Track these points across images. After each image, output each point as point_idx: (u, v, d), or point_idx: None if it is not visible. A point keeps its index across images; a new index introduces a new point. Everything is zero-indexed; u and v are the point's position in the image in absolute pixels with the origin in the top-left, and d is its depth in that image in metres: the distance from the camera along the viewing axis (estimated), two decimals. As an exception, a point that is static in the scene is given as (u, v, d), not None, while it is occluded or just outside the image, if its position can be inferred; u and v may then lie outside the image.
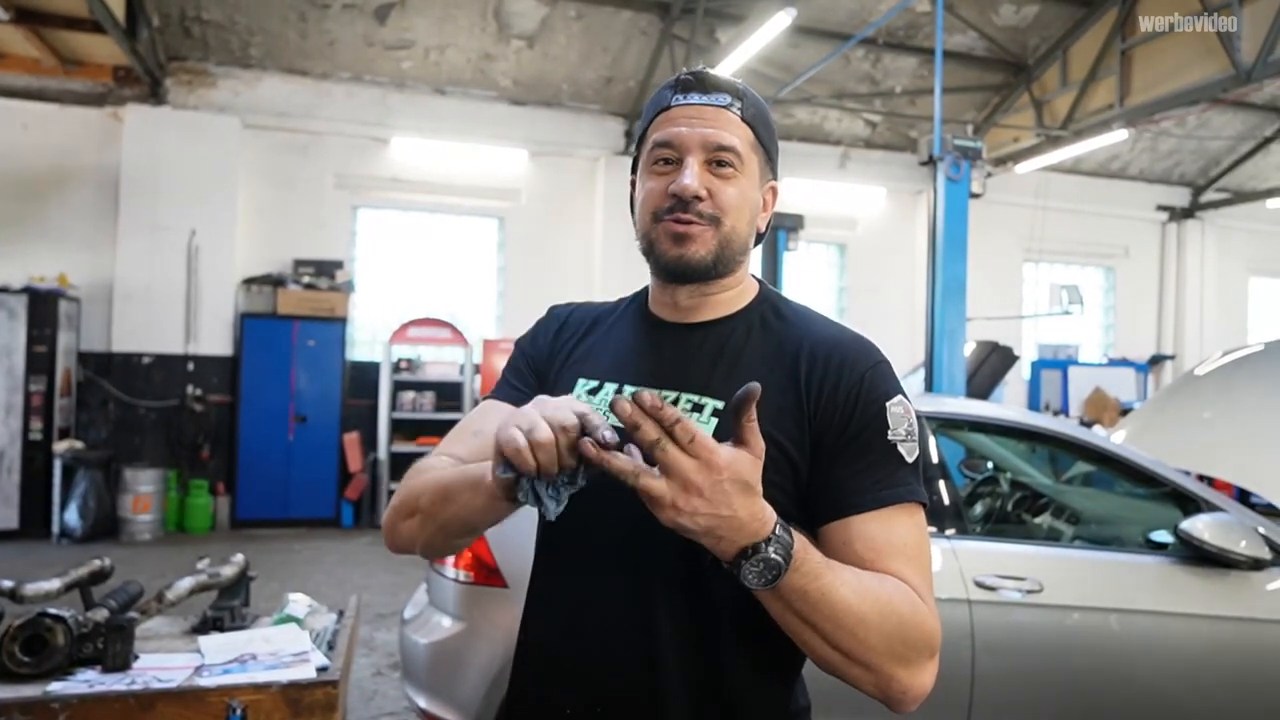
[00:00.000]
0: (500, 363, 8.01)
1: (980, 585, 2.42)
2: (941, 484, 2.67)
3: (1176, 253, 11.13)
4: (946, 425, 2.96)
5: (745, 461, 0.75)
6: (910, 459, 0.91)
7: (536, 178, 8.43)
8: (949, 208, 5.95)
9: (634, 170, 1.04)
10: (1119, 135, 8.64)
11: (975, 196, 6.19)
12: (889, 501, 0.89)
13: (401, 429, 7.67)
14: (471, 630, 2.47)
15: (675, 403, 0.94)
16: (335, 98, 7.76)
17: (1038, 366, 10.12)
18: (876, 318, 9.44)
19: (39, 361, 6.61)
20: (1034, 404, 9.67)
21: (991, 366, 7.97)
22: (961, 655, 2.38)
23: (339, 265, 7.67)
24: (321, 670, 1.62)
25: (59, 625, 1.55)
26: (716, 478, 0.73)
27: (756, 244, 1.02)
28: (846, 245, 9.68)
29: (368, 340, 8.05)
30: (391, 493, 7.45)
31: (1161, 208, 11.04)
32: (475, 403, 7.90)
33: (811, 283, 9.62)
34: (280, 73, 7.62)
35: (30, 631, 1.53)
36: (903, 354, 8.95)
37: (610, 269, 8.32)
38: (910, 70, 8.78)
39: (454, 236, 8.46)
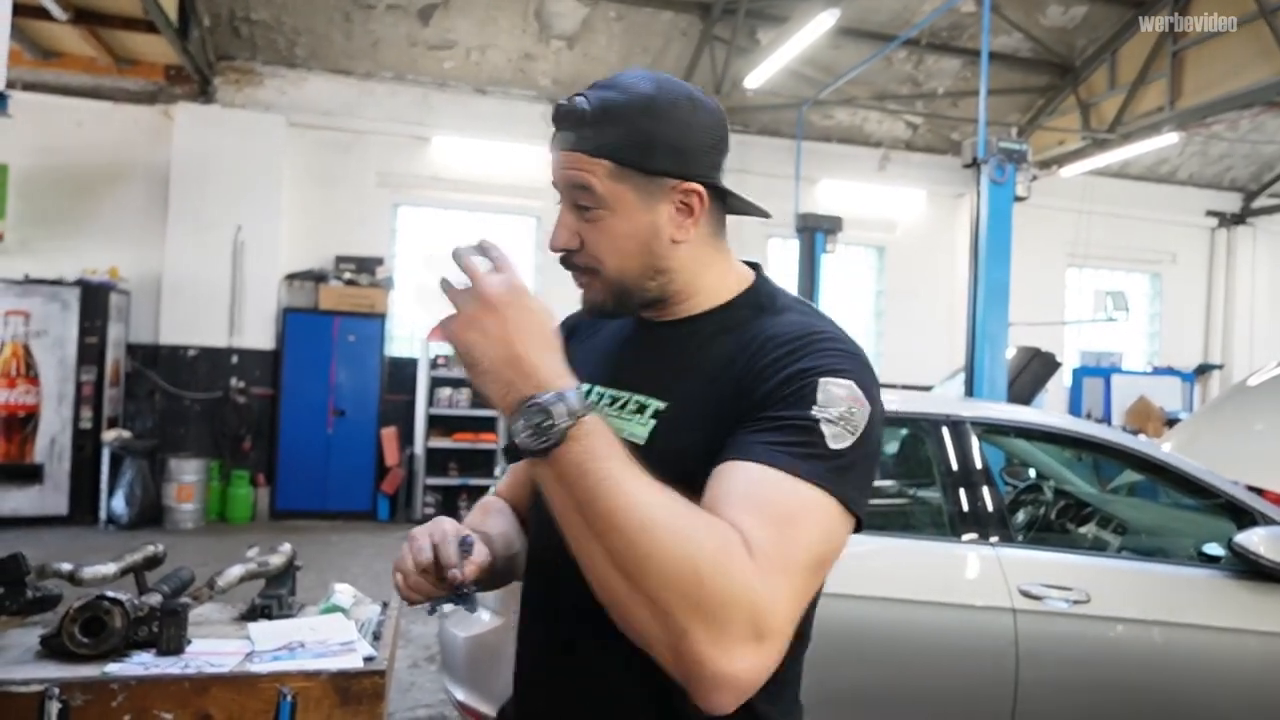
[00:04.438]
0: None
1: (1025, 594, 2.37)
2: (985, 490, 2.63)
3: (1226, 259, 10.82)
4: (989, 430, 2.91)
5: (547, 310, 0.74)
6: (835, 445, 0.76)
7: (573, 177, 8.45)
8: (992, 211, 5.86)
9: None
10: (1169, 139, 8.43)
11: (1020, 200, 6.09)
12: (778, 464, 0.73)
13: (438, 424, 7.74)
14: (511, 625, 2.47)
15: (624, 405, 0.92)
16: (378, 97, 7.87)
17: (1080, 374, 9.91)
18: (914, 321, 9.33)
19: (90, 352, 6.80)
20: (1075, 412, 9.47)
21: (1033, 373, 7.83)
22: (1005, 664, 2.34)
23: (379, 262, 7.78)
24: (369, 660, 1.63)
25: (117, 608, 1.59)
26: (518, 300, 0.73)
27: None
28: (885, 248, 9.57)
29: (406, 336, 8.15)
30: (427, 487, 7.60)
31: (1211, 213, 10.73)
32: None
33: (849, 286, 9.53)
34: (325, 72, 7.76)
35: (90, 613, 1.57)
36: (940, 358, 8.83)
37: (645, 269, 8.31)
38: (953, 72, 8.66)
39: (493, 235, 8.50)
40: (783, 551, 0.69)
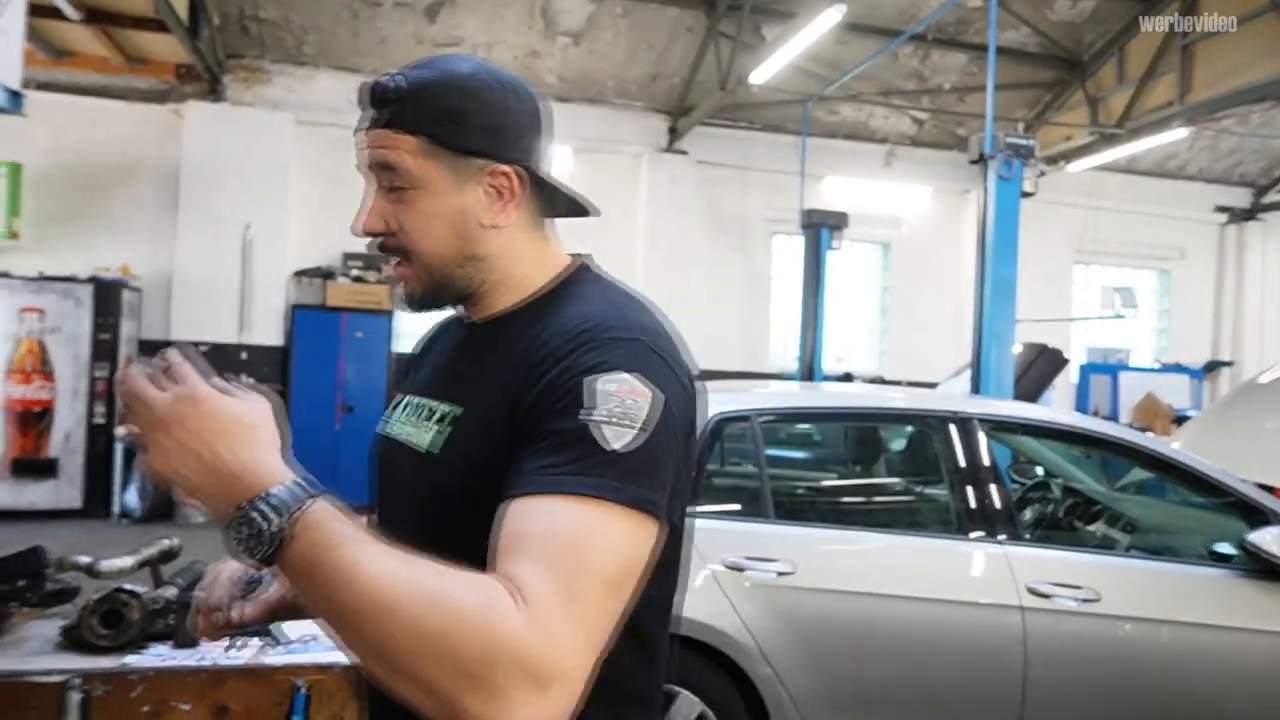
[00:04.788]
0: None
1: (1034, 592, 2.38)
2: (993, 488, 2.63)
3: (1236, 255, 10.76)
4: (997, 428, 2.91)
5: (240, 405, 0.68)
6: (613, 445, 0.71)
7: (580, 175, 8.47)
8: (999, 207, 5.84)
9: None
10: (1178, 134, 8.39)
11: (1027, 196, 6.07)
12: (547, 489, 0.69)
13: (444, 421, 7.77)
14: None
15: (421, 413, 0.89)
16: (385, 94, 7.88)
17: (1087, 370, 9.88)
18: (920, 318, 9.31)
19: (103, 348, 6.85)
20: (1082, 409, 9.45)
21: (1039, 369, 7.81)
22: (1013, 663, 2.35)
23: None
24: None
25: (134, 600, 1.62)
26: (192, 410, 0.66)
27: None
28: (890, 244, 9.56)
29: (412, 333, 8.16)
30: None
31: (1221, 209, 10.67)
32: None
33: (855, 282, 9.52)
34: (332, 70, 7.78)
35: (108, 606, 1.59)
36: (946, 355, 8.81)
37: (653, 265, 8.33)
38: (959, 67, 8.63)
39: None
40: (563, 587, 0.65)
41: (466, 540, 0.72)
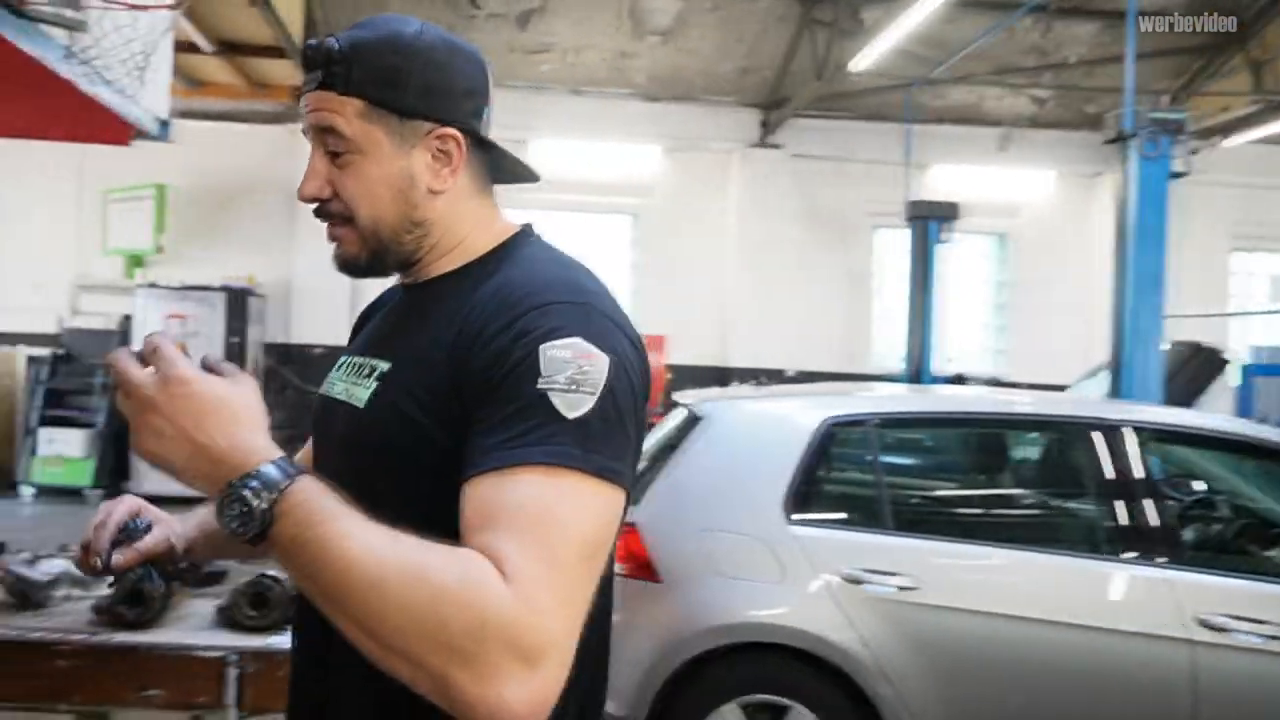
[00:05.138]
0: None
1: (1206, 624, 2.14)
2: (1149, 503, 2.40)
3: None
4: (1156, 437, 2.66)
5: (226, 385, 0.69)
6: (572, 413, 0.69)
7: (670, 173, 8.42)
8: (1143, 190, 5.24)
9: None
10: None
11: (1177, 176, 5.39)
12: (511, 462, 0.68)
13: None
14: (625, 623, 2.46)
15: (361, 371, 0.88)
16: (480, 104, 8.17)
17: (1251, 372, 8.69)
18: (1043, 314, 8.56)
19: (232, 351, 7.53)
20: (1246, 416, 8.34)
21: (1193, 371, 7.07)
22: (1178, 703, 2.14)
23: (482, 263, 8.10)
24: None
25: (278, 585, 1.69)
26: (180, 390, 0.67)
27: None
28: (1007, 235, 8.84)
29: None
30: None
31: None
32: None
33: (966, 277, 8.87)
34: (433, 83, 8.14)
35: (256, 589, 1.67)
36: (1075, 355, 8.04)
37: (745, 265, 8.15)
38: (1088, 37, 7.82)
39: (589, 234, 8.65)
40: (541, 558, 0.64)
41: (396, 495, 0.73)
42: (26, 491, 6.88)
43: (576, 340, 0.73)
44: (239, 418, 0.68)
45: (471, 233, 0.89)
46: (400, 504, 0.70)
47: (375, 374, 0.85)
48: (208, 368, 0.71)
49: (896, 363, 8.19)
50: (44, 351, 7.51)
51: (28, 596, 1.69)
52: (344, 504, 0.66)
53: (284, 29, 6.37)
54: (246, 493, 0.65)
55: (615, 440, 0.72)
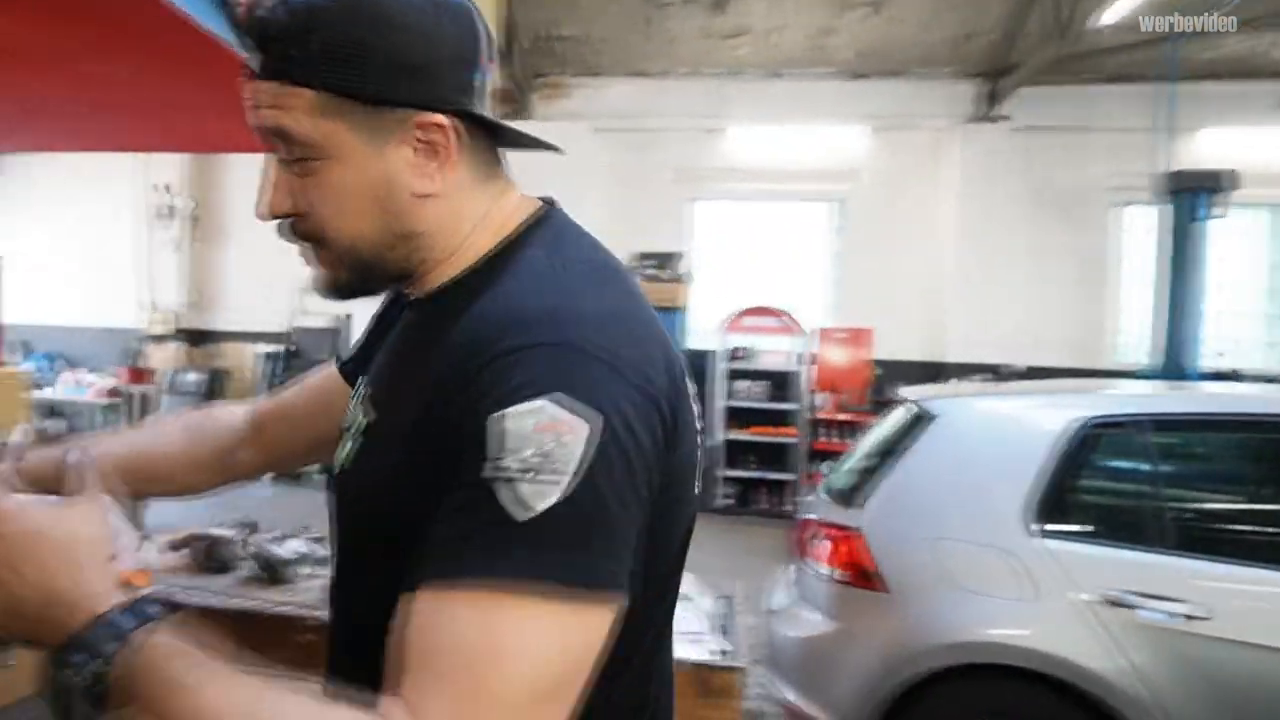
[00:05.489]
0: (834, 354, 7.59)
1: None
2: None
3: None
4: None
5: (54, 515, 0.59)
6: (524, 511, 0.54)
7: (878, 155, 7.83)
8: None
9: None
10: None
11: None
12: (448, 575, 0.55)
13: (735, 417, 7.67)
14: (845, 631, 2.44)
15: (355, 412, 0.78)
16: (671, 94, 7.98)
17: None
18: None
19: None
20: None
21: None
22: None
23: (678, 257, 7.89)
24: (725, 654, 1.64)
25: None
26: (10, 531, 0.58)
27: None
28: (1290, 207, 7.49)
29: (701, 329, 8.19)
30: (724, 479, 7.53)
31: None
32: (810, 393, 7.64)
33: (1239, 259, 7.59)
34: (624, 76, 8.04)
35: None
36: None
37: (963, 250, 7.42)
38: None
39: (788, 223, 8.23)
40: (465, 710, 0.53)
41: (381, 570, 0.63)
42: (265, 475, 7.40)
43: (542, 404, 0.57)
44: (79, 555, 0.58)
45: (474, 230, 0.73)
46: (387, 583, 0.59)
47: (358, 429, 0.74)
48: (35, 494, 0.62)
49: (1143, 357, 7.14)
50: (276, 348, 8.09)
51: (276, 571, 1.82)
52: (194, 665, 0.55)
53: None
54: (75, 658, 0.56)
55: (598, 533, 0.57)
